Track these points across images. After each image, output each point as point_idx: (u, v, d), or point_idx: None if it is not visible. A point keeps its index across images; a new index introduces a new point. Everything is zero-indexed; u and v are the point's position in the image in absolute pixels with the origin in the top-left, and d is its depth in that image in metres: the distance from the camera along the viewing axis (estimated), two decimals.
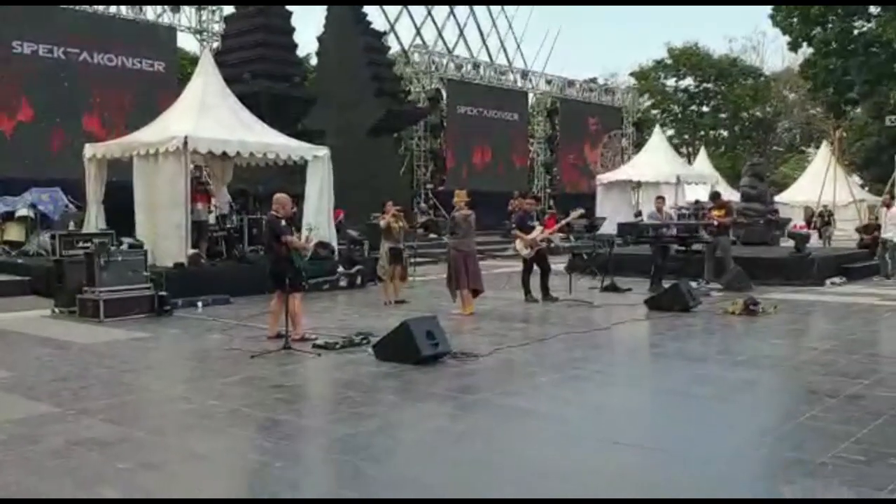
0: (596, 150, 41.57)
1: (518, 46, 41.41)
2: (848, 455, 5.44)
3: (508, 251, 15.28)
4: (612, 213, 24.70)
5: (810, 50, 37.82)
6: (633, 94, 47.98)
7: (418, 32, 36.64)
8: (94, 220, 15.91)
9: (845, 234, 27.03)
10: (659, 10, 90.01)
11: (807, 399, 7.22)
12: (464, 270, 12.50)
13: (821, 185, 28.25)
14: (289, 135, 18.00)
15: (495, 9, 40.57)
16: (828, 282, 16.91)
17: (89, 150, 16.20)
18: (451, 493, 4.99)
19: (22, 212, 18.11)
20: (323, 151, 16.98)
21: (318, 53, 31.63)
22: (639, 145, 39.36)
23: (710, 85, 57.02)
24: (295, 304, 9.91)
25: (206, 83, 16.77)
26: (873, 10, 35.50)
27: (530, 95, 40.27)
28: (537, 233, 13.99)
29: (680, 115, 58.36)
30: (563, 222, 16.59)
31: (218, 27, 27.24)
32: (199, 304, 13.33)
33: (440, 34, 37.80)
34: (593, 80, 44.09)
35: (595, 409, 7.16)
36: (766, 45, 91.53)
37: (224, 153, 16.15)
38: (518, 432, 6.25)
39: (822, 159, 34.01)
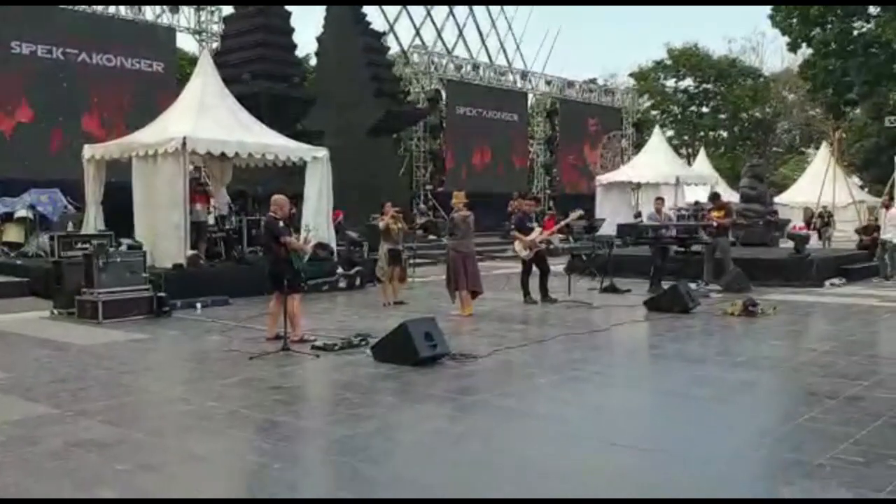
0: (596, 151, 41.59)
1: (517, 47, 41.49)
2: (846, 456, 5.44)
3: (508, 252, 15.28)
4: (611, 214, 24.72)
5: (810, 51, 37.83)
6: (632, 94, 48.00)
7: (417, 33, 36.69)
8: (93, 221, 15.90)
9: (845, 235, 27.02)
10: (658, 11, 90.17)
11: (806, 400, 7.21)
12: (462, 271, 12.50)
13: (820, 186, 28.23)
14: (288, 135, 17.99)
15: (495, 9, 40.63)
16: (827, 283, 16.90)
17: (88, 150, 16.20)
18: (450, 493, 4.99)
19: (21, 213, 18.11)
20: (322, 152, 16.98)
21: (317, 54, 31.63)
22: (638, 146, 39.37)
23: (709, 85, 57.06)
24: (294, 305, 9.91)
25: (205, 84, 16.77)
26: (873, 10, 35.52)
27: (530, 96, 40.29)
28: (536, 234, 13.98)
29: (679, 116, 58.40)
30: (562, 223, 16.59)
31: (217, 27, 27.26)
32: (198, 305, 13.32)
33: (439, 35, 37.86)
34: (593, 81, 44.12)
35: (594, 410, 7.16)
36: (766, 46, 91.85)
37: (223, 154, 16.14)
38: (517, 433, 6.24)
39: (821, 160, 34.01)
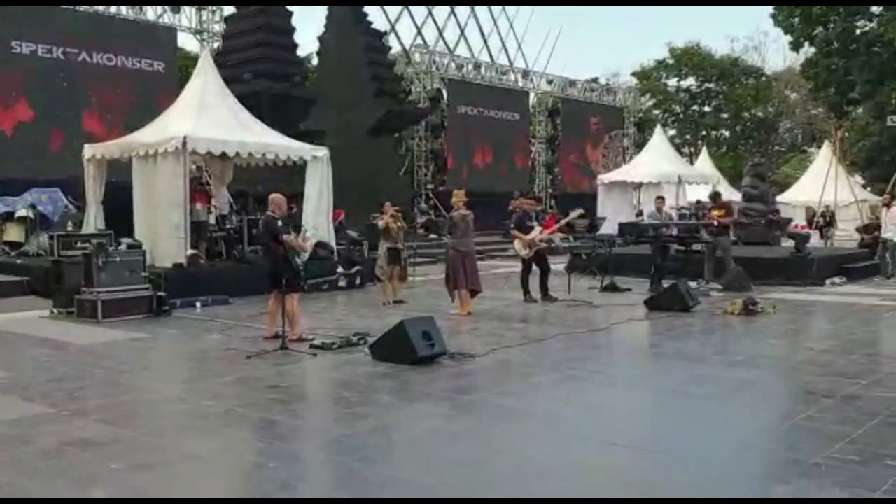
0: (597, 150, 41.57)
1: (519, 46, 41.41)
2: (842, 455, 5.43)
3: (509, 251, 15.28)
4: (613, 213, 24.69)
5: (812, 50, 37.72)
6: (634, 93, 47.94)
7: (419, 32, 36.65)
8: (94, 220, 15.91)
9: (846, 234, 26.97)
10: (660, 10, 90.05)
11: (803, 399, 7.20)
12: (462, 270, 12.49)
13: (822, 185, 28.16)
14: (289, 135, 17.98)
15: (496, 9, 40.56)
16: (828, 282, 16.88)
17: (88, 150, 16.21)
18: (448, 493, 4.97)
19: (21, 212, 18.10)
20: (322, 152, 16.97)
21: (318, 53, 31.61)
22: (640, 145, 39.31)
23: (711, 85, 56.93)
24: (292, 304, 9.91)
25: (206, 83, 16.77)
26: (875, 9, 35.40)
27: (531, 95, 40.27)
28: (536, 233, 13.97)
29: (682, 115, 58.26)
30: (563, 222, 16.57)
31: (218, 27, 27.28)
32: (198, 304, 13.34)
33: (441, 34, 37.81)
34: (595, 80, 44.06)
35: (593, 409, 7.14)
36: (768, 45, 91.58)
37: (223, 154, 16.15)
38: (515, 433, 6.23)
39: (823, 159, 33.91)
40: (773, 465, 5.43)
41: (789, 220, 25.31)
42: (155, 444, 5.93)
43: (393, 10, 35.89)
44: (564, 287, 15.05)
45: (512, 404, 7.07)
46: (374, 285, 15.67)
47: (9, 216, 18.27)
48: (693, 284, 14.40)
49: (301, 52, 29.67)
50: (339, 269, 16.51)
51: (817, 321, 12.70)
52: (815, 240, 23.58)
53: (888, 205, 19.28)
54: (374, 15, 32.23)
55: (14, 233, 18.04)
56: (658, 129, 35.05)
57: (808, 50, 38.26)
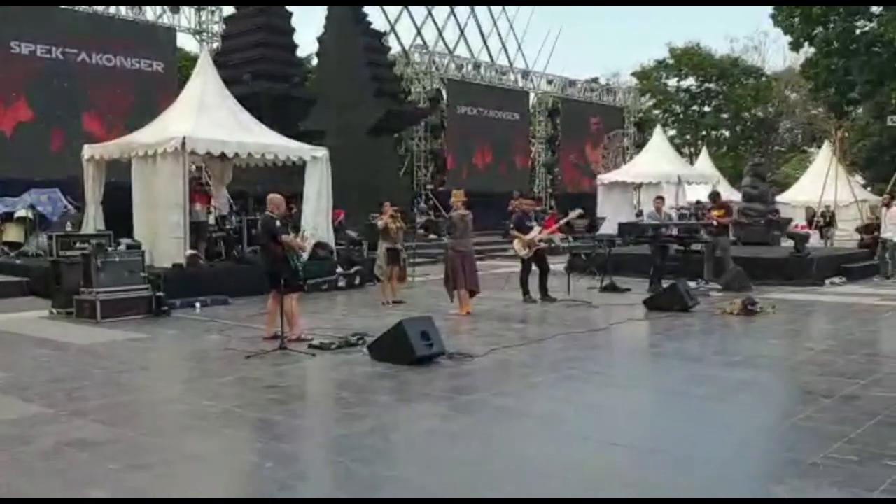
0: (597, 150, 41.56)
1: (519, 46, 41.43)
2: (840, 455, 5.42)
3: (509, 251, 15.28)
4: (613, 213, 24.66)
5: (812, 50, 37.71)
6: (634, 94, 47.93)
7: (419, 32, 36.66)
8: (93, 220, 15.91)
9: (846, 234, 26.96)
10: (660, 10, 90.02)
11: (802, 399, 7.20)
12: (461, 270, 12.48)
13: (822, 185, 28.16)
14: (289, 135, 17.99)
15: (496, 9, 40.57)
16: (827, 282, 16.87)
17: (88, 150, 16.22)
18: (446, 493, 4.97)
19: (21, 213, 18.11)
20: (321, 152, 16.97)
21: (318, 54, 31.62)
22: (640, 145, 39.30)
23: (711, 85, 56.93)
24: (291, 304, 9.90)
25: (205, 84, 16.77)
26: (875, 9, 35.40)
27: (531, 95, 40.26)
28: (535, 233, 13.96)
29: (682, 115, 58.26)
30: (562, 222, 16.54)
31: (218, 28, 27.27)
32: (198, 304, 13.33)
33: (441, 34, 37.82)
34: (595, 80, 44.05)
35: (591, 409, 7.13)
36: (768, 45, 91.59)
37: (223, 154, 16.15)
38: (513, 433, 6.22)
39: (823, 159, 33.90)
40: (772, 465, 5.43)
41: (789, 220, 25.30)
42: (153, 445, 5.93)
43: (392, 11, 35.99)
44: (564, 287, 15.03)
45: (510, 404, 7.06)
46: (374, 285, 15.65)
47: (8, 216, 18.28)
48: (692, 284, 14.41)
49: (301, 53, 29.69)
50: (339, 270, 16.51)
51: (817, 321, 12.70)
52: (814, 240, 23.58)
53: (888, 205, 19.27)
54: (374, 15, 32.31)
55: (13, 233, 18.04)
56: (658, 129, 35.03)
57: (807, 50, 38.27)
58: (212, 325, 11.70)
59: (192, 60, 24.32)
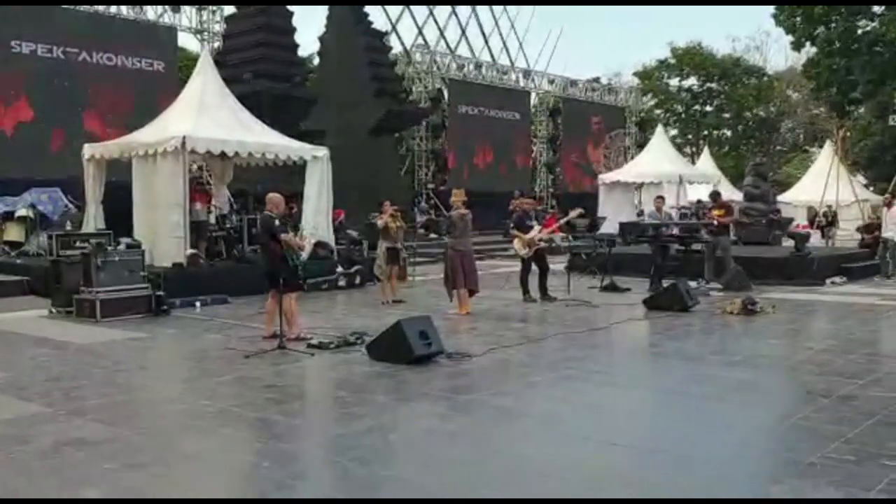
0: (599, 150, 41.53)
1: (520, 46, 41.35)
2: (838, 455, 5.41)
3: (510, 251, 15.28)
4: (614, 213, 24.71)
5: (814, 49, 37.69)
6: (636, 93, 47.91)
7: (420, 32, 36.62)
8: (93, 220, 15.92)
9: (848, 233, 26.94)
10: (662, 10, 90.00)
11: (801, 399, 7.20)
12: (461, 270, 12.47)
13: (824, 184, 28.13)
14: (290, 135, 17.99)
15: (498, 9, 40.52)
16: (828, 281, 16.86)
17: (88, 150, 16.23)
18: (444, 493, 4.96)
19: (21, 212, 18.10)
20: (322, 151, 16.97)
21: (319, 53, 31.63)
22: (641, 145, 39.27)
23: (713, 84, 56.91)
24: (290, 303, 9.90)
25: (205, 83, 16.77)
26: (877, 9, 35.37)
27: (533, 95, 40.24)
28: (535, 232, 13.95)
29: (683, 115, 58.26)
30: (562, 221, 16.53)
31: (219, 27, 27.26)
32: (198, 304, 13.34)
33: (442, 34, 37.76)
34: (597, 80, 44.02)
35: (591, 408, 7.12)
36: (770, 45, 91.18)
37: (223, 153, 16.16)
38: (512, 432, 6.21)
39: (825, 159, 33.86)
40: (770, 465, 5.42)
41: (790, 220, 25.27)
42: (151, 444, 5.92)
43: (394, 10, 35.93)
44: (564, 287, 15.02)
45: (509, 404, 7.05)
46: (374, 285, 15.64)
47: (9, 216, 18.28)
48: (693, 284, 14.39)
49: (302, 52, 29.68)
50: (339, 269, 16.51)
51: (817, 321, 12.68)
52: (815, 239, 23.54)
53: (889, 204, 19.26)
54: (375, 15, 32.23)
55: (14, 232, 18.04)
56: (659, 128, 35.00)
57: (809, 50, 38.26)
58: (211, 324, 11.70)
59: (193, 60, 24.32)
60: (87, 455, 5.61)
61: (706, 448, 5.81)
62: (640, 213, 25.13)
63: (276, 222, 9.93)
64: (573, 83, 41.09)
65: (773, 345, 10.16)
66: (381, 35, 31.85)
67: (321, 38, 30.53)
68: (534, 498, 4.86)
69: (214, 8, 27.03)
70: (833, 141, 34.13)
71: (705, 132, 57.91)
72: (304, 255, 12.02)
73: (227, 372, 8.33)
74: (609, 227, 19.45)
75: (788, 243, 19.89)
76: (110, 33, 23.62)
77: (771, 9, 37.37)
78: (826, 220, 27.39)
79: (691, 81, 57.48)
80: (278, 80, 25.50)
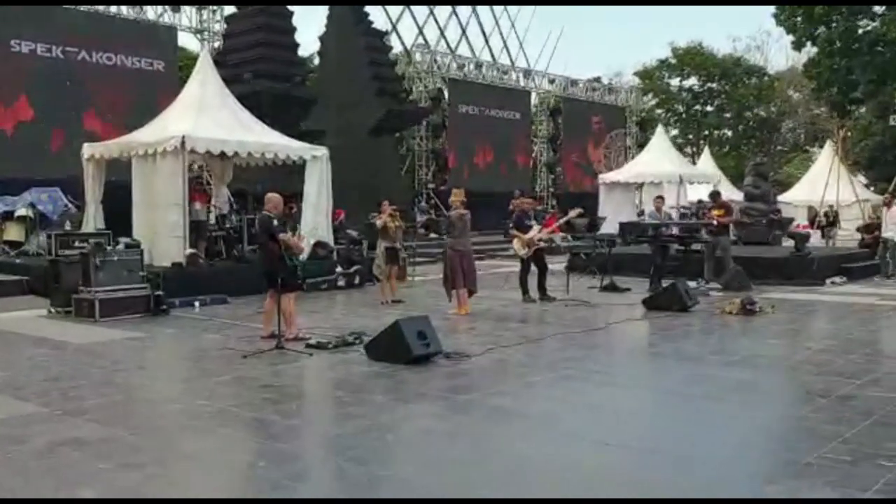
0: (599, 150, 41.51)
1: (521, 46, 41.32)
2: (835, 455, 5.40)
3: (510, 251, 15.28)
4: (614, 213, 24.70)
5: (814, 49, 37.63)
6: (636, 93, 47.88)
7: (420, 32, 36.60)
8: (93, 220, 15.92)
9: (848, 233, 26.93)
10: (663, 10, 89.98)
11: (799, 399, 7.20)
12: (460, 270, 12.46)
13: (824, 184, 28.12)
14: (290, 135, 17.98)
15: (498, 8, 40.50)
16: (828, 281, 16.84)
17: (87, 149, 16.23)
18: (442, 493, 4.95)
19: (21, 212, 18.11)
20: (321, 151, 16.97)
21: (319, 53, 31.61)
22: (642, 145, 39.25)
23: (714, 84, 56.90)
24: (289, 303, 9.89)
25: (205, 83, 16.77)
26: (878, 9, 35.32)
27: (533, 95, 40.22)
28: (534, 232, 13.94)
29: (684, 115, 58.26)
30: (561, 221, 16.53)
31: (219, 27, 27.25)
32: (197, 304, 13.34)
33: (442, 34, 37.73)
34: (597, 80, 43.99)
35: (589, 408, 7.11)
36: (771, 45, 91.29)
37: (223, 153, 16.16)
38: (510, 432, 6.20)
39: (826, 159, 33.86)
40: (767, 465, 5.41)
41: (791, 220, 25.27)
42: (147, 444, 5.91)
43: (394, 10, 35.91)
44: (563, 287, 15.00)
45: (507, 404, 7.04)
46: (374, 285, 15.63)
47: (8, 215, 18.28)
48: (692, 284, 14.38)
49: (302, 52, 29.66)
50: (338, 269, 16.50)
51: (816, 321, 12.67)
52: (816, 239, 23.53)
53: (888, 204, 19.25)
54: (375, 15, 32.21)
55: (14, 232, 18.05)
56: (659, 128, 35.00)
57: (810, 49, 38.20)
58: (210, 324, 11.69)
59: (193, 59, 24.30)
60: (83, 455, 5.60)
61: (705, 448, 5.80)
62: (641, 213, 25.11)
63: (275, 222, 9.92)
64: (574, 83, 41.07)
65: (772, 345, 10.14)
66: (382, 35, 31.84)
67: (321, 38, 30.52)
68: (533, 498, 4.85)
69: (214, 8, 27.01)
70: (834, 141, 34.13)
71: (706, 132, 57.90)
72: (304, 255, 12.02)
73: (226, 372, 8.32)
74: (609, 227, 19.43)
75: (789, 243, 19.88)
76: (110, 33, 23.61)
77: (772, 9, 37.37)
78: (827, 220, 27.38)
79: (692, 81, 57.49)
80: (278, 80, 25.50)
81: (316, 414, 7.19)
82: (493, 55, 39.44)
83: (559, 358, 9.17)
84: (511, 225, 14.43)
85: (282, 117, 21.73)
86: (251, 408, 6.90)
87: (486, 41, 39.79)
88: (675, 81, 57.87)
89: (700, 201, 24.96)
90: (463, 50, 38.25)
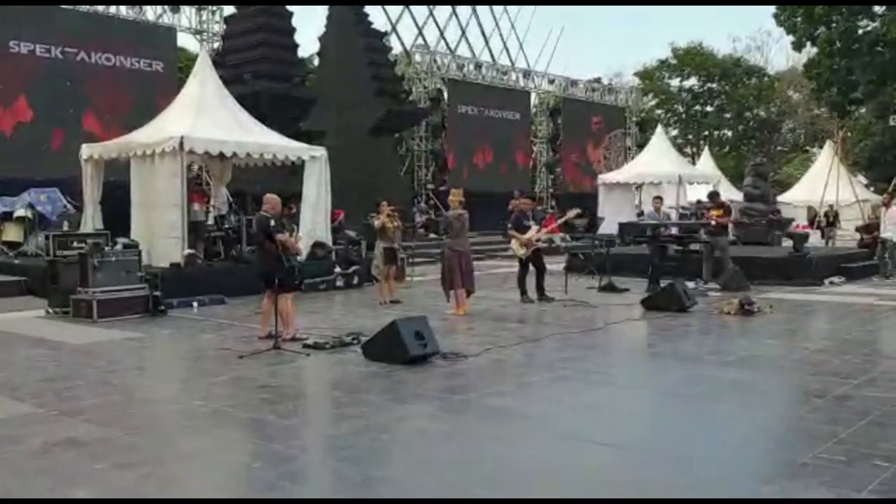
0: (599, 150, 41.52)
1: (521, 46, 41.35)
2: (830, 455, 5.40)
3: (509, 251, 15.27)
4: (614, 213, 24.72)
5: (814, 49, 37.63)
6: (636, 93, 47.89)
7: (420, 32, 36.62)
8: (91, 220, 15.92)
9: (847, 233, 26.93)
10: (663, 11, 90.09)
11: (796, 399, 7.20)
12: (458, 270, 12.46)
13: (824, 184, 28.14)
14: (289, 135, 17.99)
15: (498, 9, 40.51)
16: (826, 281, 16.83)
17: (86, 150, 16.24)
18: (439, 493, 4.94)
19: (20, 212, 18.13)
20: (320, 152, 16.97)
21: (318, 54, 31.61)
22: (642, 145, 39.26)
23: (714, 85, 56.96)
24: (286, 304, 9.89)
25: (204, 84, 16.78)
26: (878, 9, 35.32)
27: (533, 95, 40.23)
28: (533, 232, 13.94)
29: (684, 115, 58.31)
30: (560, 221, 16.53)
31: (218, 27, 27.25)
32: (195, 304, 13.32)
33: (442, 34, 37.77)
34: (597, 80, 43.99)
35: (587, 409, 7.09)
36: (771, 45, 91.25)
37: (222, 154, 16.16)
38: (507, 433, 6.18)
39: (825, 159, 33.88)
40: (763, 466, 5.40)
41: (791, 220, 25.29)
42: (143, 444, 5.91)
43: (394, 11, 35.94)
44: (562, 287, 14.99)
45: (504, 404, 7.03)
46: (372, 285, 15.62)
47: (7, 216, 18.29)
48: (691, 284, 14.38)
49: (302, 53, 29.66)
50: (337, 269, 16.49)
51: (814, 321, 12.65)
52: (815, 239, 23.53)
53: (887, 205, 19.24)
54: (375, 15, 32.28)
55: (12, 233, 18.06)
56: (659, 128, 35.01)
57: (810, 50, 38.19)
58: (208, 324, 11.69)
59: (192, 60, 24.31)
60: (78, 455, 5.60)
61: (703, 448, 5.80)
62: (641, 214, 25.13)
63: (272, 222, 9.91)
64: (573, 83, 41.07)
65: (770, 345, 10.13)
66: (381, 35, 31.85)
67: (321, 39, 30.53)
68: (529, 498, 4.84)
69: (214, 8, 27.01)
70: (833, 141, 34.14)
71: (706, 132, 57.94)
72: (302, 256, 12.02)
73: (223, 372, 8.32)
74: (609, 228, 19.42)
75: (788, 243, 19.88)
76: (109, 33, 23.61)
77: (772, 9, 37.38)
78: (827, 221, 27.39)
79: (692, 81, 57.56)
80: (278, 81, 25.49)
81: (312, 414, 7.18)
82: (492, 55, 39.48)
83: (557, 358, 9.16)
84: (509, 225, 14.42)
85: (281, 118, 21.73)
86: (248, 408, 6.89)
87: (486, 42, 39.86)
88: (675, 82, 57.96)
89: (699, 202, 24.98)
90: (463, 50, 38.33)
